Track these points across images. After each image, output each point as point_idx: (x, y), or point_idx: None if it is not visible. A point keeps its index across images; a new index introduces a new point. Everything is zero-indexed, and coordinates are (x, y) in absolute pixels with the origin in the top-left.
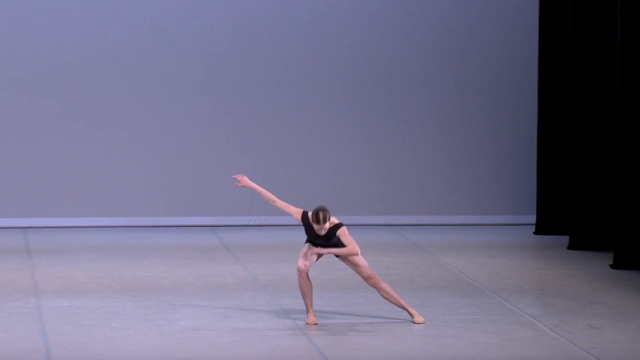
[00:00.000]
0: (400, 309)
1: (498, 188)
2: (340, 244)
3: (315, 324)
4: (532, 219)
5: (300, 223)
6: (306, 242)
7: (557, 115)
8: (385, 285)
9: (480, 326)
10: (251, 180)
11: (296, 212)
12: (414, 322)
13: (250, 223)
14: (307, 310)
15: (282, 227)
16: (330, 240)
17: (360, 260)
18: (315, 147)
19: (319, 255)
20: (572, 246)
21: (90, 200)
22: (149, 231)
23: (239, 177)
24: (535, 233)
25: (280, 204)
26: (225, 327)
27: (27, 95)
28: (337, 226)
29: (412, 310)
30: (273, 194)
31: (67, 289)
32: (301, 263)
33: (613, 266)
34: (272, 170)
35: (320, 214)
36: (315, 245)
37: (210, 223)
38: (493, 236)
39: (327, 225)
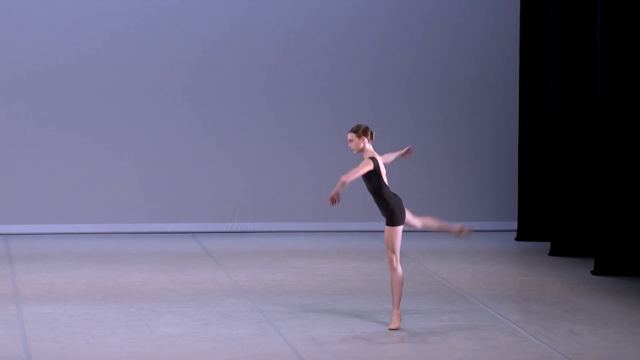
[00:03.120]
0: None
1: (480, 194)
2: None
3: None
4: (514, 225)
5: (375, 165)
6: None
7: (538, 122)
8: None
9: (462, 332)
10: (233, 184)
11: (369, 164)
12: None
13: (232, 229)
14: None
15: (264, 233)
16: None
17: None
18: (297, 153)
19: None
20: (553, 252)
21: (72, 206)
22: (131, 238)
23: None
24: (516, 239)
25: (354, 175)
26: (207, 334)
27: (7, 101)
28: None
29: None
30: (257, 197)
31: (48, 296)
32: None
33: (594, 272)
34: (254, 175)
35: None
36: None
37: (191, 230)
38: (475, 242)
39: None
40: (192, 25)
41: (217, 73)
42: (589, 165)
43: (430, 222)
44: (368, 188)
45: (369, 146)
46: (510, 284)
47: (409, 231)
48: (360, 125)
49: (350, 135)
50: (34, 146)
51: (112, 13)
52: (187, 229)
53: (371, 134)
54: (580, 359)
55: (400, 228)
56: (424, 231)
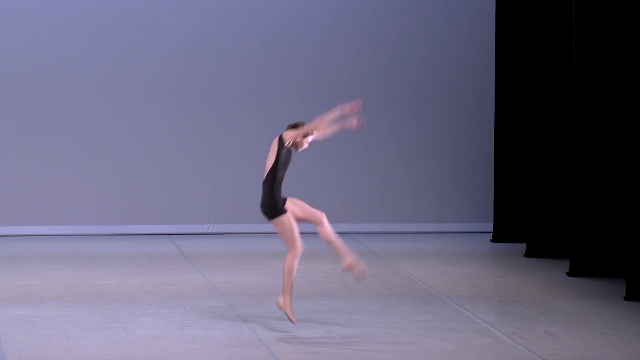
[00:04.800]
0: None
1: (455, 196)
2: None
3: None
4: (490, 226)
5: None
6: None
7: (513, 123)
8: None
9: (438, 334)
10: (209, 186)
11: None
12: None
13: (208, 231)
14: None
15: (240, 235)
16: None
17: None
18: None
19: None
20: (528, 254)
21: (47, 208)
22: (106, 239)
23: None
24: (492, 241)
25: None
26: (183, 336)
27: None
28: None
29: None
30: (233, 199)
31: (23, 298)
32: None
33: (569, 273)
34: (230, 176)
35: None
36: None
37: (167, 231)
38: (451, 244)
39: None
40: (165, 29)
41: (191, 75)
42: (565, 166)
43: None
44: (285, 163)
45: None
46: (486, 285)
47: (385, 232)
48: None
49: (310, 138)
50: (7, 148)
51: (91, 14)
52: (163, 231)
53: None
54: None
55: (283, 216)
56: (399, 232)
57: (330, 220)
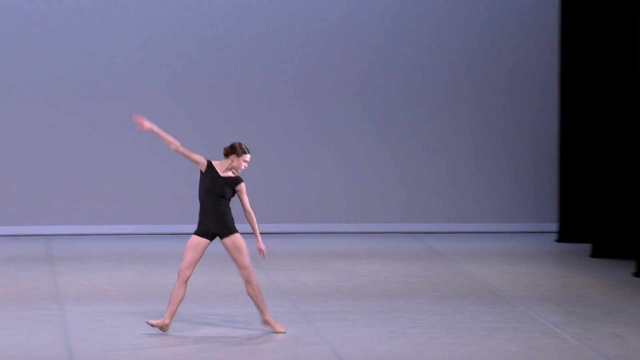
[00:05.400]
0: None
1: (520, 195)
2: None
3: None
4: (554, 226)
5: (203, 170)
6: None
7: (578, 120)
8: (255, 281)
9: (502, 334)
10: (275, 185)
11: (201, 158)
12: (274, 331)
13: (272, 231)
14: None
15: (304, 234)
16: (228, 187)
17: (244, 245)
18: (335, 155)
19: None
20: (594, 254)
21: (113, 207)
22: (170, 238)
23: (139, 120)
24: (557, 241)
25: (182, 149)
26: (247, 335)
27: (46, 102)
28: (240, 179)
29: (270, 319)
30: (297, 198)
31: (90, 297)
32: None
33: (636, 274)
34: (293, 176)
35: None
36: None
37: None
38: (515, 244)
39: None
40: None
41: (254, 73)
42: (632, 166)
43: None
44: (219, 198)
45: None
46: (551, 285)
47: (449, 232)
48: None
49: (249, 157)
50: (76, 148)
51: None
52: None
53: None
54: None
55: (238, 236)
56: (463, 232)
57: (394, 220)
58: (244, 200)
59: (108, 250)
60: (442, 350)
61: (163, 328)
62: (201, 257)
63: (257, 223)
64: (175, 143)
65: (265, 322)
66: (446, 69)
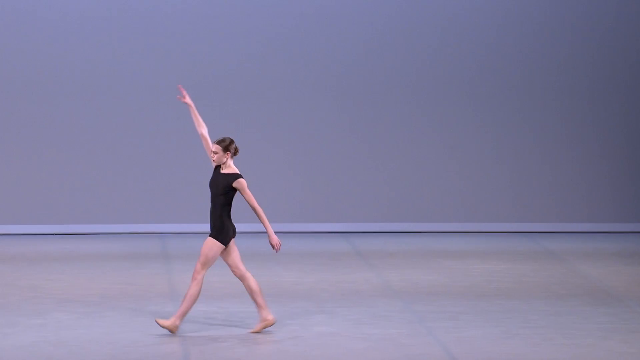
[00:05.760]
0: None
1: (635, 194)
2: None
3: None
4: None
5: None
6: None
7: None
8: (193, 286)
9: (619, 335)
10: (382, 184)
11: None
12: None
13: (383, 230)
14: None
15: (415, 233)
16: (224, 183)
17: (205, 250)
18: (446, 154)
19: None
20: None
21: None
22: (284, 237)
23: (183, 91)
24: None
25: (207, 137)
26: (360, 334)
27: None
28: (237, 175)
29: (265, 314)
30: (408, 198)
31: (203, 294)
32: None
33: None
34: (402, 175)
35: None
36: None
37: (343, 229)
38: (630, 244)
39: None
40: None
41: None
42: None
43: (252, 286)
44: (217, 199)
45: (230, 162)
46: None
47: (563, 232)
48: (226, 139)
49: (215, 148)
50: (194, 148)
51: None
52: (339, 229)
53: (235, 150)
54: None
55: (219, 245)
56: (576, 232)
57: (506, 220)
58: (246, 197)
59: None
60: (557, 351)
61: (172, 329)
62: (230, 256)
63: (366, 221)
64: (204, 127)
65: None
66: (556, 71)
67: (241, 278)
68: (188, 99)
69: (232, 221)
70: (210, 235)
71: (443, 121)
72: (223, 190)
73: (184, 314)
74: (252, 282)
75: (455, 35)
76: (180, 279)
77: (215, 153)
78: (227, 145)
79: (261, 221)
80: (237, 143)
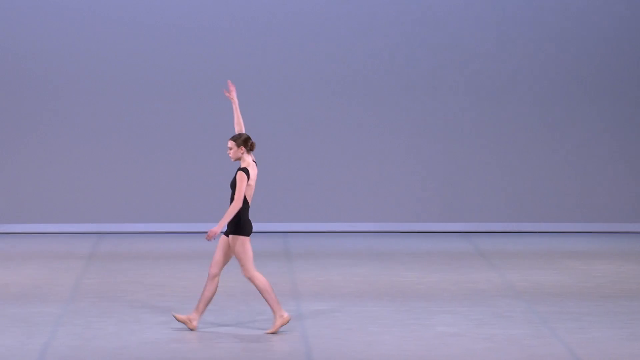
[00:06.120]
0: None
1: None
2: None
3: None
4: None
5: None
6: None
7: None
8: (213, 283)
9: None
10: (506, 183)
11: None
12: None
13: (505, 229)
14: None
15: (537, 233)
16: (234, 178)
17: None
18: (570, 152)
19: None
20: None
21: (348, 205)
22: (405, 237)
23: (231, 87)
24: None
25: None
26: (482, 334)
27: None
28: (240, 169)
29: (279, 312)
30: (530, 196)
31: (325, 293)
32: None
33: None
34: (527, 173)
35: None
36: None
37: (465, 229)
38: None
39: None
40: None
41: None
42: None
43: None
44: (232, 187)
45: (246, 156)
46: None
47: None
48: (242, 134)
49: (230, 143)
50: (328, 147)
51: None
52: (461, 229)
53: (251, 145)
54: None
55: (242, 239)
56: None
57: (630, 220)
58: (237, 187)
59: (343, 248)
60: None
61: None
62: (224, 255)
63: (488, 221)
64: (242, 127)
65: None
66: (610, 70)
67: (251, 279)
68: (234, 95)
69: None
70: (224, 233)
71: (567, 120)
72: (233, 185)
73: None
74: (261, 281)
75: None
76: (303, 277)
77: (230, 149)
78: (242, 140)
79: (225, 214)
80: (358, 142)
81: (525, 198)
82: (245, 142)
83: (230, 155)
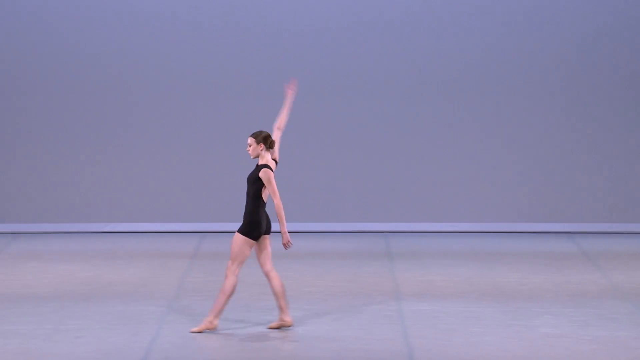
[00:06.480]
0: None
1: None
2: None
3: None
4: None
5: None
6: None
7: None
8: (227, 282)
9: None
10: (609, 182)
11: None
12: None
13: (610, 230)
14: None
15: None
16: (252, 175)
17: (234, 246)
18: (619, 155)
19: None
20: None
21: (449, 205)
22: (505, 237)
23: (294, 83)
24: None
25: (279, 136)
26: (586, 336)
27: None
28: (262, 166)
29: (286, 316)
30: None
31: (427, 293)
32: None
33: None
34: (625, 173)
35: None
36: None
37: (568, 230)
38: None
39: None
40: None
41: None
42: None
43: (277, 288)
44: (248, 191)
45: (265, 154)
46: None
47: None
48: (262, 132)
49: (249, 140)
50: (430, 146)
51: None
52: (565, 229)
53: (270, 142)
54: None
55: (246, 240)
56: None
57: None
58: (269, 189)
59: (444, 248)
60: None
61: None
62: (262, 252)
63: (592, 221)
64: (283, 124)
65: None
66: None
67: (226, 277)
68: (292, 93)
69: (268, 215)
70: (237, 230)
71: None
72: (252, 180)
73: (218, 311)
74: (277, 282)
75: None
76: (404, 277)
77: (249, 145)
78: (262, 138)
79: (278, 218)
80: (460, 142)
81: (632, 198)
82: (265, 139)
83: (249, 152)
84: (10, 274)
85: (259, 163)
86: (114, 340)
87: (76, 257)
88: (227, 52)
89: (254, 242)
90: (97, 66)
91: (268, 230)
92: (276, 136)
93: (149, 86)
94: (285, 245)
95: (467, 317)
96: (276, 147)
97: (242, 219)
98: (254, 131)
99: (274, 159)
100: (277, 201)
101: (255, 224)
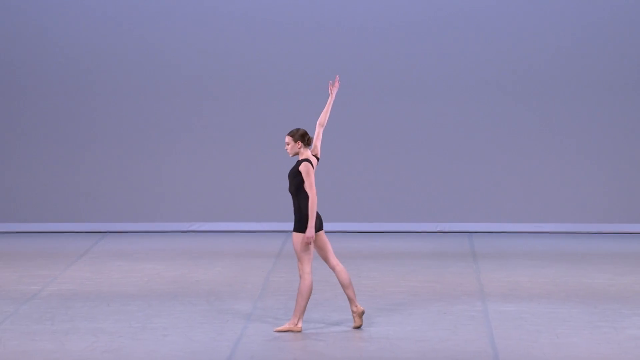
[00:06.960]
0: None
1: None
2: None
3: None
4: None
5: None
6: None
7: None
8: (304, 282)
9: None
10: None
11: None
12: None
13: None
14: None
15: None
16: (292, 173)
17: (297, 247)
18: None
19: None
20: None
21: (534, 206)
22: (595, 237)
23: (337, 83)
24: None
25: (321, 132)
26: None
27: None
28: (302, 161)
29: (354, 306)
30: None
31: (513, 294)
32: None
33: None
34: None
35: None
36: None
37: None
38: None
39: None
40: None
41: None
42: None
43: (344, 279)
44: (290, 188)
45: (304, 151)
46: None
47: None
48: (299, 129)
49: (287, 139)
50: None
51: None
52: None
53: (308, 140)
54: None
55: (302, 235)
56: None
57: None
58: (306, 182)
59: (530, 249)
60: None
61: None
62: (322, 248)
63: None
64: (325, 120)
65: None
66: None
67: (301, 276)
68: (335, 90)
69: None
70: (293, 230)
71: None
72: (293, 175)
73: (300, 313)
74: (343, 274)
75: None
76: (489, 278)
77: (287, 144)
78: (299, 135)
79: (309, 212)
80: (546, 142)
81: None
82: (302, 137)
83: (287, 150)
84: (98, 272)
85: (300, 159)
86: (200, 338)
87: (162, 256)
88: (305, 53)
89: (312, 237)
90: (176, 66)
91: (321, 227)
92: (318, 132)
93: (221, 82)
94: (307, 242)
95: (554, 318)
96: (318, 143)
97: (321, 218)
98: (290, 129)
99: (315, 155)
100: (312, 195)
101: (307, 218)
